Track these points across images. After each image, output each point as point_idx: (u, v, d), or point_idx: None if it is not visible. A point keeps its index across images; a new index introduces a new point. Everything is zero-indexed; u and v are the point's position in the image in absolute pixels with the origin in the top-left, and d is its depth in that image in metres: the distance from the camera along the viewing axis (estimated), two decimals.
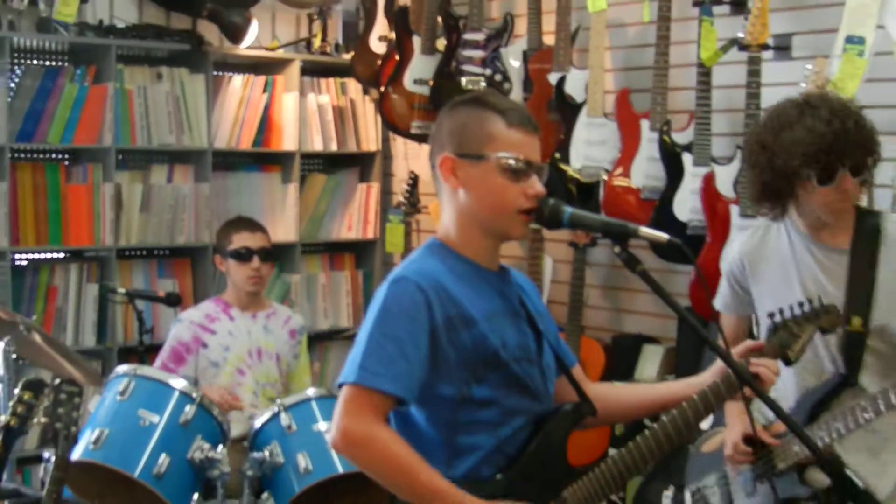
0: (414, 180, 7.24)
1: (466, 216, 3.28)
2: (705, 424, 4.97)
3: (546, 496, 3.24)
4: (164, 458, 4.68)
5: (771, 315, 3.41)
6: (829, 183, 3.86)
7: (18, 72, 6.75)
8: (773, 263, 4.14)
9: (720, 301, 4.38)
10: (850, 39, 4.95)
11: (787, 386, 4.15)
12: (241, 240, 5.76)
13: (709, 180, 5.53)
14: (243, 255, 5.73)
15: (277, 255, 6.48)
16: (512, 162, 3.18)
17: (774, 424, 4.06)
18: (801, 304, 3.44)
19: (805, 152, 3.84)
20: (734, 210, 5.43)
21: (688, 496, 4.44)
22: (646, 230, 3.12)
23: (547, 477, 3.27)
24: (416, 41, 7.03)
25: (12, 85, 6.67)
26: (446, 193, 3.31)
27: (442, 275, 3.20)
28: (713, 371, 3.34)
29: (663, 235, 3.12)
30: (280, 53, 7.77)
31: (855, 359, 4.00)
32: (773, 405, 3.09)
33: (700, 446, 4.46)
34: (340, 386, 3.16)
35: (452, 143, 3.26)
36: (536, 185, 3.21)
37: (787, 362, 3.39)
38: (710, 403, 3.26)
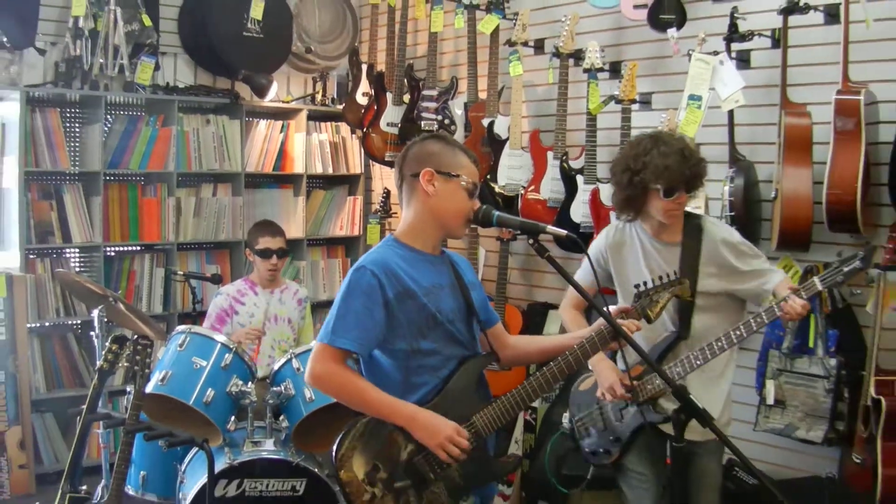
0: (387, 194, 7.22)
1: (428, 215, 3.30)
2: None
3: (460, 419, 3.23)
4: (210, 391, 4.66)
5: (637, 286, 3.42)
6: (671, 197, 3.92)
7: (110, 119, 6.73)
8: (629, 254, 4.17)
9: (580, 274, 4.29)
10: (691, 97, 4.99)
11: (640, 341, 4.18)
12: (264, 242, 5.71)
13: (595, 194, 5.57)
14: (265, 254, 5.69)
15: (290, 250, 6.44)
16: (472, 186, 3.24)
17: (631, 370, 4.05)
18: (661, 277, 3.44)
19: (657, 172, 3.89)
20: (613, 215, 5.42)
21: (573, 425, 4.38)
22: (551, 228, 3.18)
23: (460, 405, 3.26)
24: (389, 96, 7.01)
25: (105, 129, 6.65)
26: (415, 198, 3.31)
27: (392, 261, 3.23)
28: (592, 328, 3.35)
29: (563, 231, 3.19)
30: (293, 105, 7.74)
31: (686, 319, 4.04)
32: (640, 351, 3.11)
33: (578, 386, 4.42)
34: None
35: (432, 163, 3.27)
36: (477, 203, 3.27)
37: (649, 321, 3.40)
38: (587, 350, 3.28)
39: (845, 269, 3.75)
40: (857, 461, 4.58)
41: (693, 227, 4.08)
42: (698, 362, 3.91)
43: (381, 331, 3.18)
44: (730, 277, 4.05)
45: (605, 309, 3.20)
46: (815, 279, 3.79)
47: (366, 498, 3.15)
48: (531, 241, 3.18)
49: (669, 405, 3.97)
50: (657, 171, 3.89)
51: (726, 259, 4.04)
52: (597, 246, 4.32)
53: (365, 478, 3.15)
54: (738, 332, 3.85)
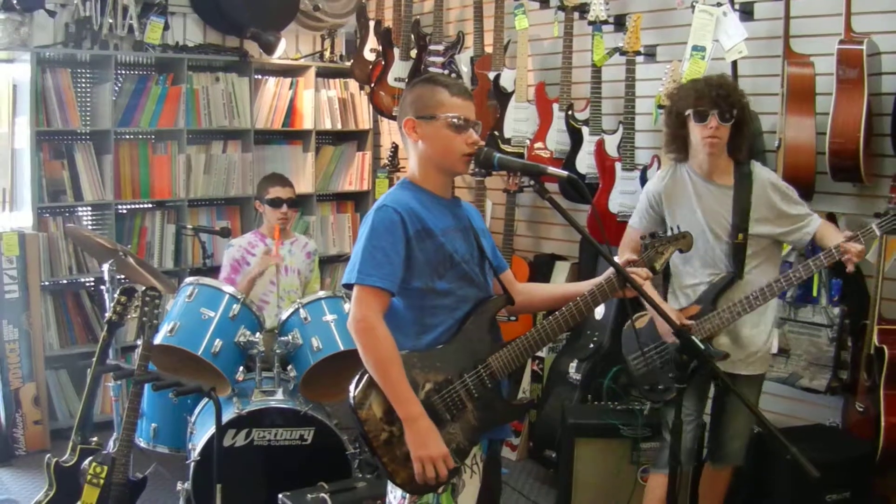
0: (395, 149, 7.19)
1: (425, 160, 3.25)
2: (599, 311, 4.97)
3: (476, 360, 3.19)
4: (218, 342, 4.66)
5: (643, 237, 3.39)
6: (703, 121, 3.98)
7: (120, 79, 6.72)
8: (683, 197, 4.17)
9: (636, 218, 4.36)
10: (695, 48, 4.96)
11: (701, 281, 4.20)
12: (275, 192, 5.65)
13: (600, 145, 5.53)
14: (276, 203, 5.63)
15: (300, 203, 6.42)
16: (455, 120, 3.16)
17: (687, 309, 4.13)
18: (664, 231, 3.44)
19: (687, 96, 4.04)
20: (618, 166, 5.44)
21: (632, 361, 4.32)
22: (552, 169, 3.14)
23: (477, 346, 3.21)
24: (396, 52, 6.94)
25: (116, 88, 6.64)
26: (411, 146, 3.28)
27: (411, 201, 3.17)
28: (601, 277, 3.28)
29: (564, 172, 3.14)
30: (301, 62, 7.69)
31: (740, 261, 4.08)
32: (647, 299, 3.08)
33: (633, 324, 4.37)
34: (345, 285, 3.15)
35: (413, 110, 3.23)
36: (473, 136, 3.19)
37: (654, 271, 3.37)
38: (597, 298, 3.20)
39: None
40: (860, 410, 4.58)
41: (743, 172, 4.12)
42: (758, 302, 3.97)
43: (403, 268, 3.13)
44: (777, 221, 4.09)
45: (614, 258, 3.16)
46: (873, 225, 3.85)
47: (384, 437, 3.08)
48: (533, 182, 3.15)
49: (724, 343, 4.11)
50: (687, 96, 4.03)
51: (775, 203, 4.09)
52: (649, 189, 4.33)
53: (384, 416, 3.09)
54: (797, 274, 3.91)
